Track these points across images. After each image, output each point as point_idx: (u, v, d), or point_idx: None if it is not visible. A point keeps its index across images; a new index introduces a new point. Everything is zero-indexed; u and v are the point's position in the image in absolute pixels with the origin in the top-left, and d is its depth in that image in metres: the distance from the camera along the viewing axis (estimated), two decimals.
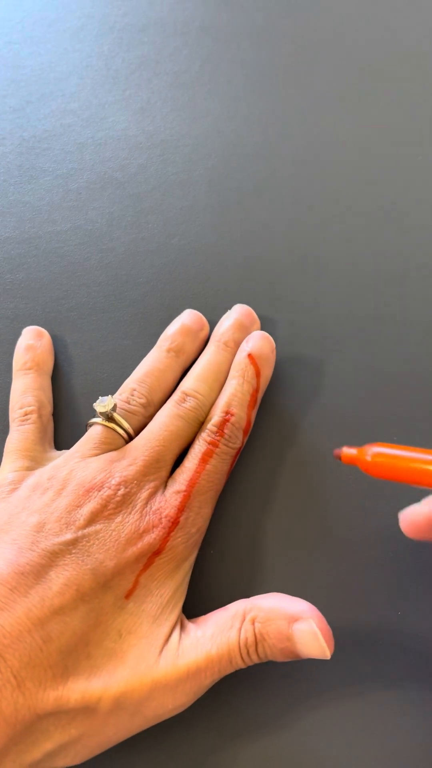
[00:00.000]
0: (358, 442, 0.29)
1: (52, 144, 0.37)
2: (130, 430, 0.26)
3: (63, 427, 0.29)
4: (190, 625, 0.23)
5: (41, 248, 0.34)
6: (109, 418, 0.26)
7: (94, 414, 0.28)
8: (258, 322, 0.30)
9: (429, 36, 0.39)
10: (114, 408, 0.26)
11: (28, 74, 0.39)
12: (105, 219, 0.34)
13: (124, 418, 0.26)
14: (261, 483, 0.28)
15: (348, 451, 0.22)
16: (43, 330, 0.31)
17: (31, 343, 0.30)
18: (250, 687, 0.24)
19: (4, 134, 0.37)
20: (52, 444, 0.29)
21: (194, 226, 0.34)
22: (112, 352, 0.31)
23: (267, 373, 0.28)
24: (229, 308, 0.30)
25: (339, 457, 0.22)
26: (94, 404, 0.26)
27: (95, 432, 0.26)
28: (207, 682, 0.22)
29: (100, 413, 0.26)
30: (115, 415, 0.26)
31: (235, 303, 0.31)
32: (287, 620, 0.22)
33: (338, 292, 0.32)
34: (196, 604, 0.25)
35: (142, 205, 0.35)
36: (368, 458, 0.21)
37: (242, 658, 0.22)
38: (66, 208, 0.35)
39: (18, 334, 0.31)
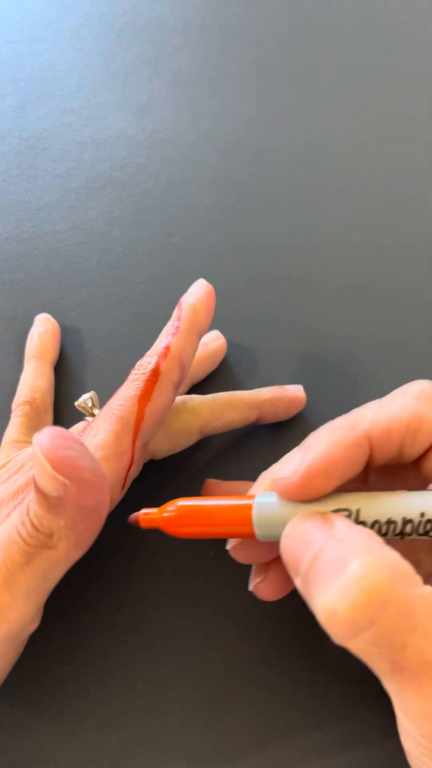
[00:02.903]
0: None
1: (51, 143, 0.37)
2: None
3: (62, 426, 0.29)
4: None
5: (41, 248, 0.34)
6: (91, 414, 0.26)
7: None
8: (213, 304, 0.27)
9: (429, 36, 0.39)
10: (92, 403, 0.26)
11: (28, 74, 0.39)
12: (105, 219, 0.34)
13: None
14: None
15: (147, 513, 0.20)
16: (50, 317, 0.31)
17: (40, 331, 0.31)
18: (250, 686, 0.24)
19: (4, 134, 0.37)
20: None
21: (194, 226, 0.34)
22: (112, 351, 0.31)
23: (191, 300, 0.25)
24: (229, 308, 0.30)
25: (136, 523, 0.21)
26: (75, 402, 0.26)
27: (74, 427, 0.27)
28: None
29: (78, 406, 0.26)
30: (95, 411, 0.26)
31: (235, 303, 0.31)
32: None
33: (338, 291, 0.32)
34: (195, 604, 0.25)
35: (142, 204, 0.35)
36: (167, 515, 0.20)
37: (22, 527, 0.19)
38: (65, 207, 0.35)
39: (18, 335, 0.31)
